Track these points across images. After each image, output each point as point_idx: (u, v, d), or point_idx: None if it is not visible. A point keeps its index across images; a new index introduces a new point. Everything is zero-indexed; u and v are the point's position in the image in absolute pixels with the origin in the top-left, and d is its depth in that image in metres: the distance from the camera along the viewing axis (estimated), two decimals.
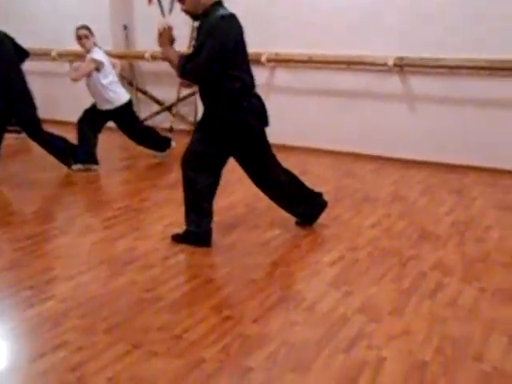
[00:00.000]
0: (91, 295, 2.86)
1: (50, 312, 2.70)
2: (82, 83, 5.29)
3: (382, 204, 4.33)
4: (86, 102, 5.47)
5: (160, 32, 3.25)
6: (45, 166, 5.40)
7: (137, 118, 5.77)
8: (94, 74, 5.15)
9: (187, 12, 3.25)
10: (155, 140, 5.73)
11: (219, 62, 3.12)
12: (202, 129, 3.42)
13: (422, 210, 4.24)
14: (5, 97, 4.80)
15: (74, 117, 5.46)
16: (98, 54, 5.18)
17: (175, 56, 3.24)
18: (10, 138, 5.65)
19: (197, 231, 3.45)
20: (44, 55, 7.29)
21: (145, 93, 7.21)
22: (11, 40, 4.95)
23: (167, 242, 3.54)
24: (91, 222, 4.04)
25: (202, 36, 3.15)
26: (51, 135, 5.14)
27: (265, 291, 2.91)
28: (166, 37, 3.24)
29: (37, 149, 5.30)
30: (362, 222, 3.93)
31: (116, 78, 5.39)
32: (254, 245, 3.54)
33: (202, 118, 3.43)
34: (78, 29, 5.18)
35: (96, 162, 5.33)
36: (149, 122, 6.90)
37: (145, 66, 7.08)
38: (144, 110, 7.17)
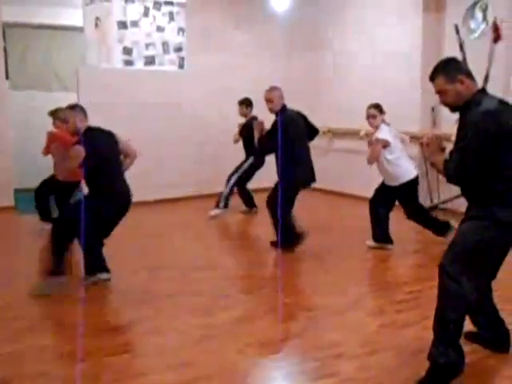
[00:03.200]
0: (375, 381, 2.83)
1: None
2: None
3: None
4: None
5: (427, 142, 3.07)
6: (346, 239, 5.69)
7: (417, 197, 5.51)
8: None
9: (446, 104, 2.97)
10: (433, 223, 5.49)
11: (481, 161, 2.73)
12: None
13: None
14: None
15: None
16: (382, 133, 5.21)
17: (441, 162, 2.97)
18: None
19: None
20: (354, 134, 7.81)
21: None
22: (304, 118, 5.43)
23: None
24: (381, 302, 4.05)
25: (463, 133, 2.82)
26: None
27: None
28: (435, 146, 3.04)
29: None
30: None
31: (403, 153, 5.34)
32: None
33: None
34: (369, 108, 5.30)
35: (391, 242, 5.39)
36: (448, 205, 6.71)
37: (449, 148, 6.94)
38: (445, 192, 6.99)
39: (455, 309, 2.80)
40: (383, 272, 4.96)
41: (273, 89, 5.26)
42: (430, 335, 3.32)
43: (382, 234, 5.40)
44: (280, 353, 3.22)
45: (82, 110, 4.31)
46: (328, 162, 8.67)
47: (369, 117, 5.29)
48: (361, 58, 7.98)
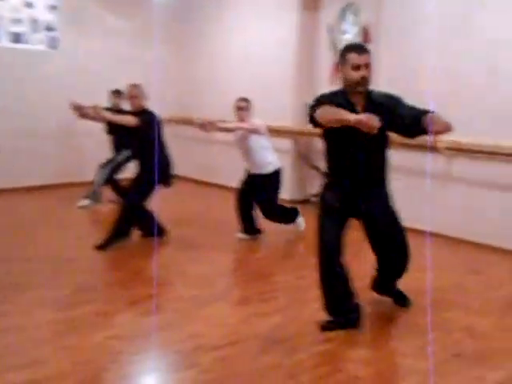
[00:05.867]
0: (234, 371, 2.85)
1: (190, 382, 2.74)
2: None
3: None
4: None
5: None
6: (218, 230, 5.72)
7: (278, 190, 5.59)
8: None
9: (366, 80, 3.23)
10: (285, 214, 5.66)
11: None
12: None
13: None
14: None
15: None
16: (257, 121, 5.29)
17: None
18: None
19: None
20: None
21: (318, 169, 7.33)
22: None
23: (317, 327, 3.43)
24: (248, 293, 4.09)
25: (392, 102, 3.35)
26: None
27: None
28: None
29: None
30: None
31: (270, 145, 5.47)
32: (409, 345, 3.28)
33: None
34: (238, 101, 5.31)
35: (259, 232, 5.54)
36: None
37: (320, 143, 7.22)
38: (315, 186, 7.26)
39: None
40: (253, 263, 5.03)
41: (138, 85, 5.09)
42: (289, 325, 3.44)
43: (250, 226, 5.50)
44: (140, 347, 3.13)
45: None
46: (205, 152, 8.73)
47: (238, 109, 5.28)
48: (236, 52, 8.05)
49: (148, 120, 4.98)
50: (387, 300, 3.92)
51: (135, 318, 3.59)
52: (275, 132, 6.90)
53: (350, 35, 6.77)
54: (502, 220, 5.45)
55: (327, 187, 3.49)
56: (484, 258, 5.17)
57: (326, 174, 3.51)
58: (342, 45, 6.60)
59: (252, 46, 7.82)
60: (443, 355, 3.15)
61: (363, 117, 2.86)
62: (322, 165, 7.16)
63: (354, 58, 3.17)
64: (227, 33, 8.19)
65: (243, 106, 5.27)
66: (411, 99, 3.37)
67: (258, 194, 5.44)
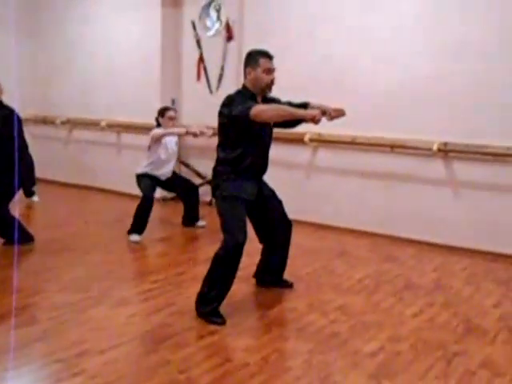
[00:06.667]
0: (122, 373, 2.78)
1: None
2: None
3: (424, 292, 4.18)
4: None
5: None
6: (89, 233, 5.49)
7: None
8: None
9: (273, 83, 3.56)
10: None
11: None
12: None
13: (466, 300, 4.06)
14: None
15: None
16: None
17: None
18: None
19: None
20: (94, 125, 7.68)
21: (188, 166, 7.34)
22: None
23: (203, 320, 3.46)
24: (127, 294, 4.00)
25: None
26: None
27: (301, 381, 2.78)
28: None
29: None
30: (404, 311, 3.78)
31: None
32: (291, 329, 3.44)
33: None
34: (171, 110, 5.64)
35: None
36: None
37: (189, 139, 7.24)
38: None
39: None
40: (129, 263, 4.92)
41: None
42: (173, 321, 3.43)
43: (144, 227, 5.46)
44: (15, 362, 2.93)
45: None
46: (68, 153, 8.37)
47: (171, 119, 5.54)
48: (96, 47, 7.79)
49: (6, 116, 4.62)
50: (265, 289, 4.08)
51: (6, 332, 3.33)
52: (144, 129, 6.81)
53: (213, 31, 6.85)
54: (360, 205, 5.90)
55: (232, 180, 3.56)
56: (348, 242, 5.55)
57: (227, 168, 3.57)
58: (203, 42, 6.70)
59: (114, 41, 7.61)
60: (322, 335, 3.35)
61: (316, 113, 3.25)
62: (193, 162, 7.24)
63: (266, 62, 3.49)
64: (87, 24, 7.85)
65: (174, 116, 5.63)
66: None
67: (181, 190, 5.89)
